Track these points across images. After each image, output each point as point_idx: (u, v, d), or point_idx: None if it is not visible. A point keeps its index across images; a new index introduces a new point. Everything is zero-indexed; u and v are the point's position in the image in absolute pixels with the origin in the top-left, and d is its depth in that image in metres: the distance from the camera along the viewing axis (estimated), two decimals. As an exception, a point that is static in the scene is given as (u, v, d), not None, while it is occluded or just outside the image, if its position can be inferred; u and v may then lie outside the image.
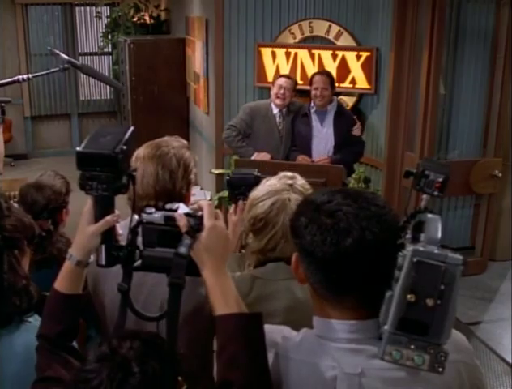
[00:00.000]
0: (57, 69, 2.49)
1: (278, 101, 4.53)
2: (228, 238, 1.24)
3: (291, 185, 1.76)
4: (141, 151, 1.74)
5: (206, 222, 1.19)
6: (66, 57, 2.48)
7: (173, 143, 1.78)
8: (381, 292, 1.07)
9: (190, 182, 1.76)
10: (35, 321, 1.55)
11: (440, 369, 1.03)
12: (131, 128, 1.26)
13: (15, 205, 1.80)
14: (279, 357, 1.19)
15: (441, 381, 1.11)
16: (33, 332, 1.35)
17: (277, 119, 4.59)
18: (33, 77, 2.52)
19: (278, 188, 1.75)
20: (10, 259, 1.54)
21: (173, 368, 1.13)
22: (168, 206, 1.23)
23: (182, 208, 1.22)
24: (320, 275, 1.15)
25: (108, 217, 1.23)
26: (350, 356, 1.14)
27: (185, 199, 1.73)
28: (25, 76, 2.45)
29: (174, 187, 1.69)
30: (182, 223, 1.18)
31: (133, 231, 1.23)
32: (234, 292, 1.21)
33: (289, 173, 1.84)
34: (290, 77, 4.65)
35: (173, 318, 1.18)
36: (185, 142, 1.83)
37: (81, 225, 1.26)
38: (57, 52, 2.60)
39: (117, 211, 1.26)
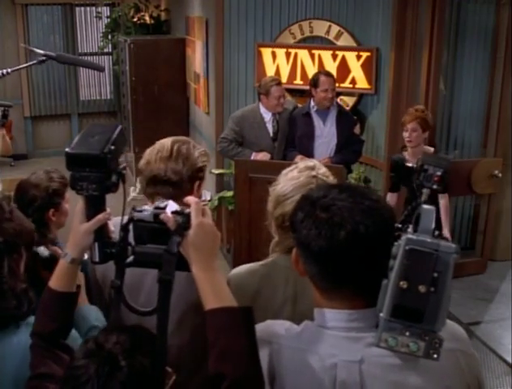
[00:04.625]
0: (34, 62, 2.56)
1: (279, 109, 4.53)
2: (216, 234, 1.25)
3: (314, 176, 1.73)
4: (164, 140, 1.86)
5: (194, 220, 1.20)
6: (41, 51, 2.56)
7: (197, 145, 1.89)
8: (378, 282, 1.10)
9: (198, 176, 1.82)
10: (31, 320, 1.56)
11: (435, 356, 1.06)
12: (119, 127, 1.28)
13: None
14: (280, 347, 1.21)
15: (439, 368, 1.12)
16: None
17: (267, 123, 4.58)
18: (12, 71, 2.60)
19: (303, 182, 1.71)
20: (11, 263, 1.55)
21: (162, 361, 1.13)
22: (156, 203, 1.24)
23: (171, 205, 1.22)
24: (317, 267, 1.18)
25: (100, 216, 1.26)
26: (349, 344, 1.16)
27: (190, 190, 1.79)
28: (4, 71, 2.52)
29: (183, 169, 1.77)
30: (170, 222, 1.20)
31: (124, 228, 1.25)
32: (225, 287, 1.23)
33: (310, 163, 1.81)
34: (279, 81, 4.59)
35: (164, 312, 1.19)
36: (207, 151, 1.93)
37: (74, 224, 1.29)
38: (31, 48, 2.69)
39: (108, 209, 1.29)
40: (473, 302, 4.56)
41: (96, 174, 1.21)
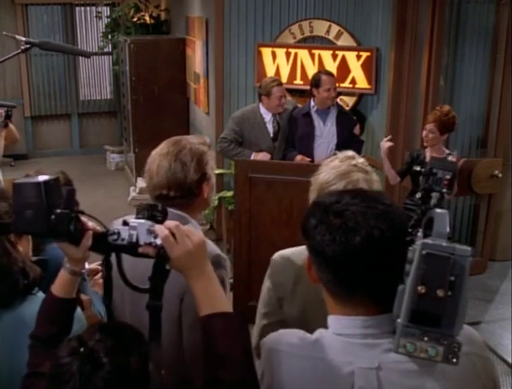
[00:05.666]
0: (18, 51, 2.55)
1: (280, 109, 4.53)
2: (199, 245, 1.22)
3: (355, 165, 1.78)
4: (160, 147, 1.81)
5: (170, 254, 1.19)
6: (22, 38, 2.55)
7: (193, 139, 1.84)
8: (392, 287, 1.09)
9: (205, 176, 1.80)
10: (40, 294, 1.61)
11: (454, 360, 1.04)
12: (42, 185, 1.18)
13: None
14: (294, 357, 1.20)
15: (456, 372, 1.12)
16: (38, 303, 1.39)
17: (267, 123, 4.58)
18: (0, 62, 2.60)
19: (345, 170, 1.76)
20: (4, 244, 1.59)
21: (147, 358, 1.13)
22: (125, 235, 1.21)
23: (141, 229, 1.20)
24: (331, 273, 1.17)
25: (85, 243, 1.25)
26: (366, 350, 1.16)
27: (199, 193, 1.78)
28: None
29: (185, 179, 1.74)
30: (150, 253, 1.19)
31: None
32: (219, 292, 1.23)
33: (349, 153, 1.85)
34: (280, 81, 4.60)
35: (157, 337, 1.18)
36: (207, 140, 1.88)
37: (63, 246, 1.29)
38: (11, 35, 2.67)
39: (90, 224, 1.27)
40: (473, 302, 4.55)
41: (52, 237, 1.22)
